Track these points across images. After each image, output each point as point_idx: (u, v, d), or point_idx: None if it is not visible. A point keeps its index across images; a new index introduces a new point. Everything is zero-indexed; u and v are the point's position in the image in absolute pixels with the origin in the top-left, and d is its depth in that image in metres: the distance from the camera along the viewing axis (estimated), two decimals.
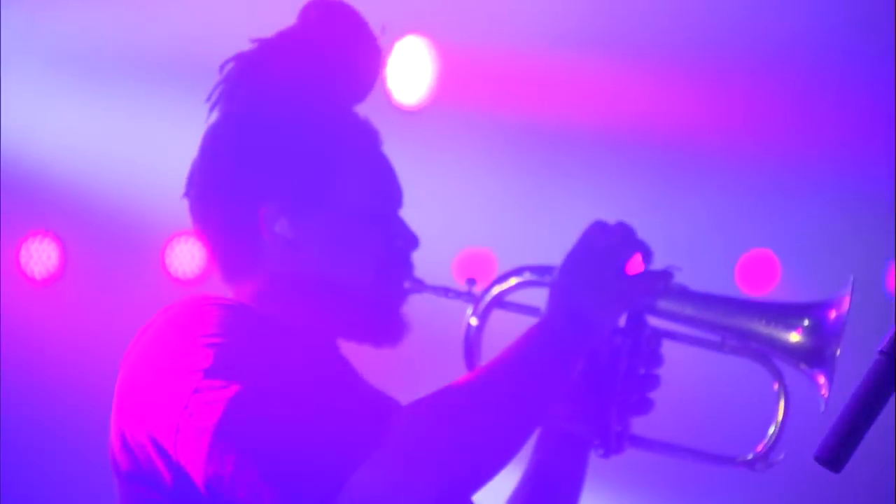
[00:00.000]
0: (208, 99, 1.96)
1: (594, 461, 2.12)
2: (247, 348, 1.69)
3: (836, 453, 1.32)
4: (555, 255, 1.97)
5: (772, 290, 4.70)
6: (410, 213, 2.10)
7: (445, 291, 2.01)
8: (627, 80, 4.76)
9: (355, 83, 1.89)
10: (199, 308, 1.74)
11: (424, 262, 2.08)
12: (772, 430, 1.97)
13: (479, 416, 1.66)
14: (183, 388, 1.64)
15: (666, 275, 1.86)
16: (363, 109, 2.06)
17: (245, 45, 1.99)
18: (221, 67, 1.95)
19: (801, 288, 4.44)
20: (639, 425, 2.04)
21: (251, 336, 1.72)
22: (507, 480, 2.06)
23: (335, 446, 1.43)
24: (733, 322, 1.95)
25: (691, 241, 4.45)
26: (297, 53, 1.92)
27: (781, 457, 1.99)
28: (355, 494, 1.40)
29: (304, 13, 1.96)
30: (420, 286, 2.00)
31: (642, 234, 1.97)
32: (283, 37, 1.72)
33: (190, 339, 1.68)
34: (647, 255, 1.88)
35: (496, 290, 2.04)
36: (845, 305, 1.81)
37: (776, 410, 2.02)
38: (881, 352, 1.31)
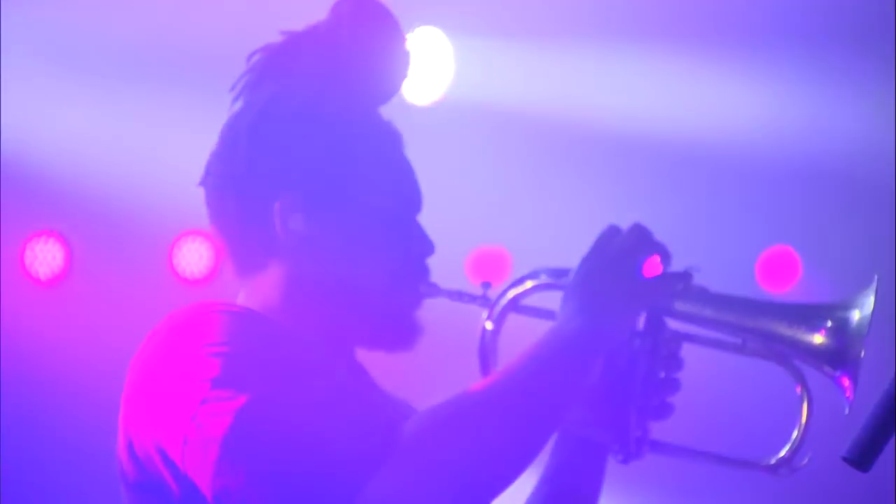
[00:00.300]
0: (232, 88, 1.97)
1: (612, 466, 2.12)
2: (255, 357, 1.69)
3: (864, 453, 1.33)
4: (572, 254, 1.98)
5: (792, 288, 4.69)
6: (422, 210, 2.11)
7: (460, 296, 2.02)
8: (647, 73, 4.76)
9: (382, 83, 1.92)
10: (207, 315, 1.75)
11: (436, 261, 2.09)
12: (795, 433, 1.97)
13: (495, 423, 1.66)
14: (190, 399, 1.65)
15: (685, 276, 1.87)
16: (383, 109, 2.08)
17: (260, 41, 2.01)
18: (249, 58, 1.97)
19: (822, 286, 4.44)
20: (658, 430, 2.04)
21: (260, 344, 1.72)
22: (522, 486, 2.07)
23: (347, 457, 1.44)
24: (755, 323, 1.95)
25: (710, 239, 4.45)
26: (326, 49, 1.93)
27: (806, 461, 1.99)
28: None
29: (336, 8, 1.96)
30: (434, 290, 2.00)
31: (660, 232, 1.98)
32: (313, 31, 1.74)
33: (197, 348, 1.68)
34: (665, 256, 1.88)
35: (511, 293, 2.05)
36: (870, 305, 1.80)
37: (799, 413, 2.02)
38: None
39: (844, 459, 1.36)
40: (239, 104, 2.05)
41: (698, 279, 2.02)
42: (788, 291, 4.66)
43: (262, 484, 1.63)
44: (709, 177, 4.64)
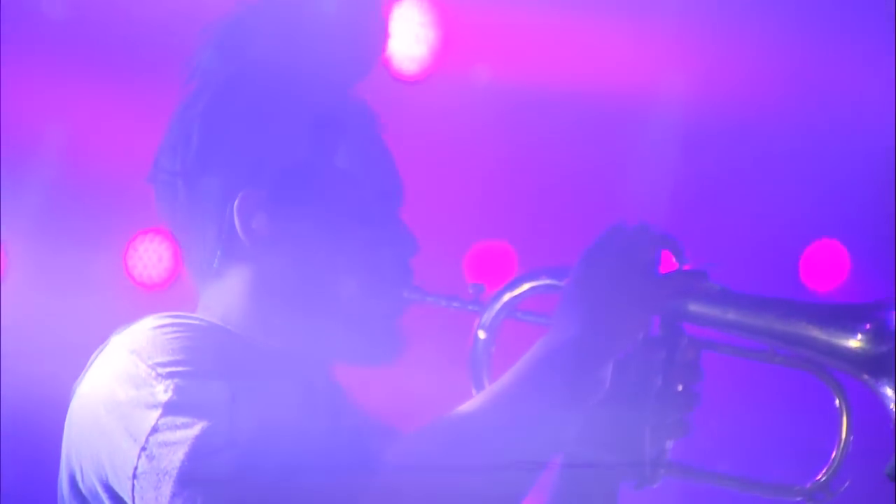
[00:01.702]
0: (183, 70, 1.94)
1: (625, 493, 2.13)
2: (213, 377, 1.68)
3: None
4: (579, 250, 1.98)
5: (840, 286, 4.70)
6: (411, 203, 2.10)
7: (449, 300, 2.01)
8: (670, 43, 4.76)
9: (357, 58, 1.89)
10: (158, 329, 1.75)
11: (424, 262, 2.09)
12: (834, 453, 1.97)
13: (484, 450, 1.66)
14: (139, 427, 1.65)
15: (702, 274, 1.86)
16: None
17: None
18: (201, 33, 1.92)
19: (872, 284, 4.44)
20: (676, 450, 2.05)
21: (218, 362, 1.71)
22: None
23: (317, 489, 1.45)
24: (785, 327, 1.95)
25: (750, 232, 4.45)
26: (290, 20, 1.91)
27: (846, 485, 1.99)
28: None
29: None
30: (420, 295, 2.00)
31: (691, 223, 1.98)
32: (274, 0, 1.71)
33: (146, 368, 1.68)
34: (678, 252, 1.87)
35: (507, 297, 2.04)
36: None
37: (838, 430, 2.02)
38: None
39: (889, 476, 1.38)
40: (190, 87, 2.02)
41: (734, 276, 2.02)
42: (835, 291, 4.67)
43: None
44: (745, 163, 4.64)
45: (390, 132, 2.01)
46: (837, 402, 2.03)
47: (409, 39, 4.41)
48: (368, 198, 1.96)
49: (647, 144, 4.69)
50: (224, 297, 1.85)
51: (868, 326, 1.92)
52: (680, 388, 1.99)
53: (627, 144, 4.73)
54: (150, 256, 4.41)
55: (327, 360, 1.87)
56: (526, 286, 2.06)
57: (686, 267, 1.91)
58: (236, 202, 1.78)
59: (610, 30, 4.56)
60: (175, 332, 1.72)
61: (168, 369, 1.64)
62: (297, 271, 1.80)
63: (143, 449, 1.60)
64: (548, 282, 2.05)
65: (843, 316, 1.97)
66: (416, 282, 1.98)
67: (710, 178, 4.53)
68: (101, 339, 1.89)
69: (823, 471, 2.01)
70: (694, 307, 1.94)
